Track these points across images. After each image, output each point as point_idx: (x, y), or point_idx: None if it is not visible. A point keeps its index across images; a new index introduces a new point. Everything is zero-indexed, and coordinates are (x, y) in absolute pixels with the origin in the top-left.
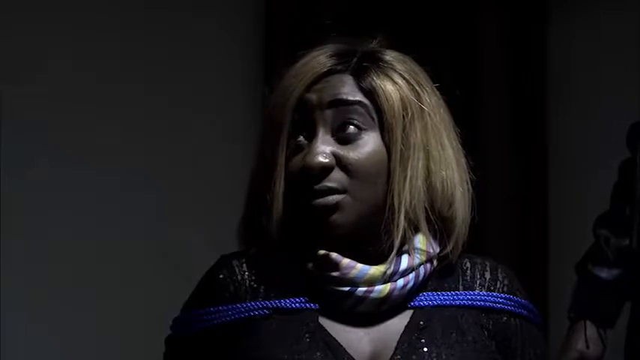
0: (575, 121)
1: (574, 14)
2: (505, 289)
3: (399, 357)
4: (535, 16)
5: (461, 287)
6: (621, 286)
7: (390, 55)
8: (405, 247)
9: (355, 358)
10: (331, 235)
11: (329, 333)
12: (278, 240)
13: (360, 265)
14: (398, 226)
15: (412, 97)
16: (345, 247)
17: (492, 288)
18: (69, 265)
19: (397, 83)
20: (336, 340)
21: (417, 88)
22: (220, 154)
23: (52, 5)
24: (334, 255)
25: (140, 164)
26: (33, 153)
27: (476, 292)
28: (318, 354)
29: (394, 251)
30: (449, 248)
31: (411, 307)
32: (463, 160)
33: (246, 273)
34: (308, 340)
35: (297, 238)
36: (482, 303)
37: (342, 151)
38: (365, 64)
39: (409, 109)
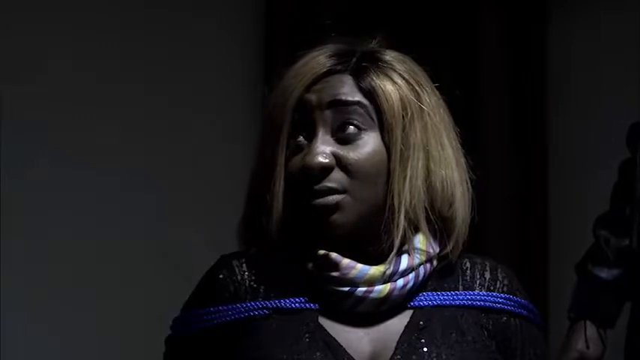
0: (575, 121)
1: (574, 14)
2: (505, 289)
3: (398, 357)
4: (535, 16)
5: (461, 287)
6: (621, 286)
7: (389, 55)
8: (405, 247)
9: (355, 358)
10: (331, 235)
11: (329, 333)
12: (278, 240)
13: (359, 265)
14: (398, 226)
15: (412, 97)
16: (345, 247)
17: (492, 288)
18: (69, 265)
19: (397, 83)
20: (336, 340)
21: (417, 88)
22: (220, 154)
23: (52, 5)
24: (334, 255)
25: (140, 164)
26: (33, 153)
27: (476, 292)
28: (318, 354)
29: (394, 251)
30: (449, 248)
31: (411, 307)
32: (463, 160)
33: (246, 273)
34: (308, 340)
35: (297, 238)
36: (482, 303)
37: (341, 151)
38: (364, 64)
39: (409, 109)
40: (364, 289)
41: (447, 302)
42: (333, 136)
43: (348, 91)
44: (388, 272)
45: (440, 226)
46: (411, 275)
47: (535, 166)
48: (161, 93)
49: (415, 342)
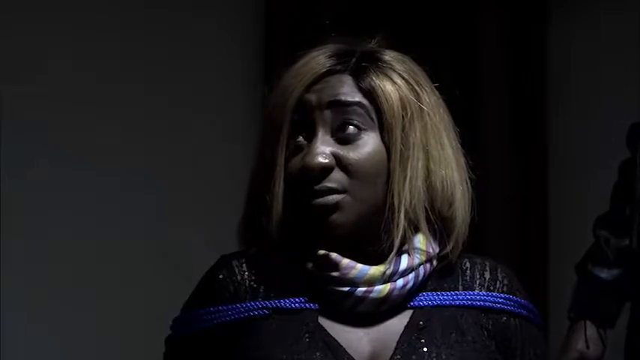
0: (575, 121)
1: (574, 14)
2: (505, 289)
3: (398, 357)
4: (535, 16)
5: (460, 287)
6: (621, 286)
7: (389, 55)
8: (405, 247)
9: (355, 358)
10: (331, 235)
11: (329, 333)
12: (278, 240)
13: (359, 265)
14: (398, 226)
15: (411, 97)
16: (345, 247)
17: (492, 288)
18: (69, 265)
19: (396, 83)
20: (336, 340)
21: (417, 87)
22: (220, 154)
23: (52, 5)
24: (334, 255)
25: (140, 164)
26: (33, 153)
27: (475, 292)
28: (318, 354)
29: (394, 251)
30: (449, 248)
31: (411, 307)
32: (463, 160)
33: (246, 273)
34: (307, 340)
35: (297, 238)
36: (482, 303)
37: (341, 151)
38: (364, 64)
39: (408, 109)
40: (364, 289)
41: (447, 302)
42: (332, 136)
43: (348, 91)
44: (388, 272)
45: (440, 226)
46: (411, 275)
47: (535, 166)
48: (161, 93)
49: (415, 342)
